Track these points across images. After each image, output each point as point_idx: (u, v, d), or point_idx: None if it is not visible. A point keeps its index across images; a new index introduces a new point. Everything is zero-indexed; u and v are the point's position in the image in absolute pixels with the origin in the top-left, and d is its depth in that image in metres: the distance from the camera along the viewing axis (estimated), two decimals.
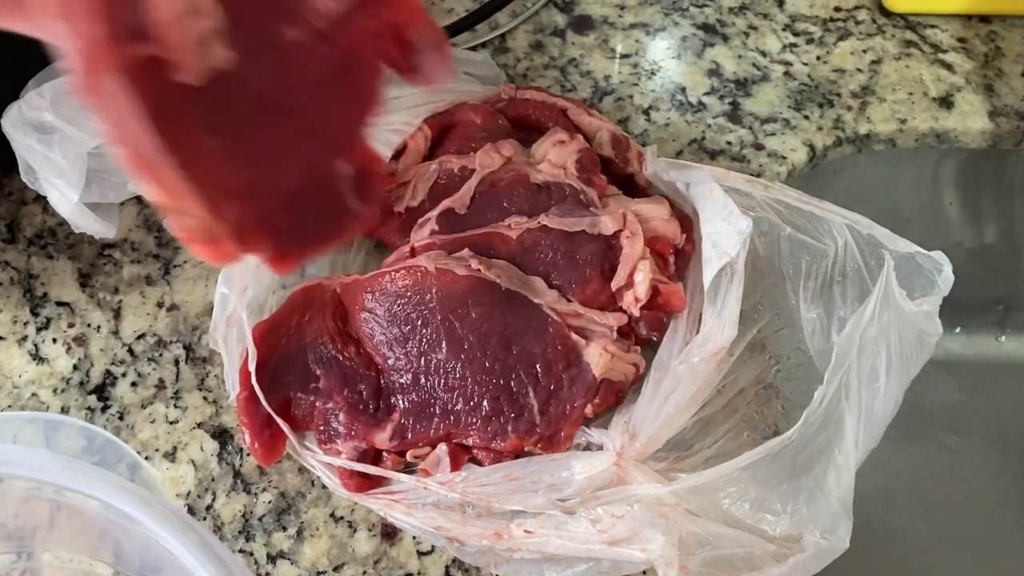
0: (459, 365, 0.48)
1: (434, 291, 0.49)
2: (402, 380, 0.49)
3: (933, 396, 0.81)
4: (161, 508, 0.37)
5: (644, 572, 0.46)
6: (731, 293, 0.47)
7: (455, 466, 0.48)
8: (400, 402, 0.49)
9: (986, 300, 0.81)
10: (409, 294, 0.49)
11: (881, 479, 0.77)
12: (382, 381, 0.49)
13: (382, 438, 0.48)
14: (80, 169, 0.47)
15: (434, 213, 0.53)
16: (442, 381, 0.49)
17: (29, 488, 0.40)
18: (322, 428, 0.49)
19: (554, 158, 0.55)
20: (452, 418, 0.48)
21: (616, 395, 0.50)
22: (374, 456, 0.48)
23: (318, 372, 0.49)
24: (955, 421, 0.80)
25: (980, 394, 0.81)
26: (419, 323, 0.49)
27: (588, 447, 0.49)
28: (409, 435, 0.48)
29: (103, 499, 0.37)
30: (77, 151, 0.47)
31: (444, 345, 0.49)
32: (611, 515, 0.43)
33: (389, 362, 0.49)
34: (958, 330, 0.82)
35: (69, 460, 0.38)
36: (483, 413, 0.48)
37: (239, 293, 0.48)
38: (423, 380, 0.49)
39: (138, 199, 0.59)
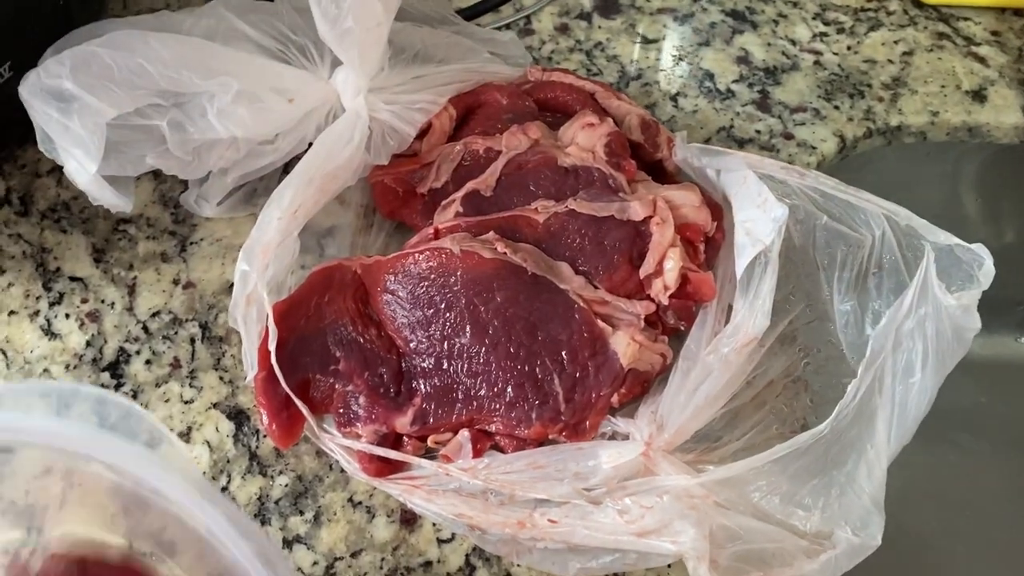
0: (483, 350, 0.47)
1: (458, 274, 0.48)
2: (424, 364, 0.48)
3: (950, 397, 0.79)
4: (182, 479, 0.36)
5: (669, 565, 0.45)
6: (764, 283, 0.46)
7: (477, 453, 0.47)
8: (422, 386, 0.47)
9: (1006, 301, 0.80)
10: (433, 276, 0.48)
11: (896, 479, 0.76)
12: (403, 364, 0.48)
13: (403, 423, 0.47)
14: (99, 140, 0.46)
15: (459, 195, 0.52)
16: (465, 366, 0.47)
17: (42, 461, 0.39)
18: (341, 411, 0.48)
19: (582, 141, 0.54)
20: (475, 404, 0.47)
21: (642, 385, 0.49)
22: (395, 440, 0.47)
23: (338, 354, 0.48)
24: (972, 422, 0.79)
25: (998, 396, 0.80)
26: (442, 306, 0.48)
27: (614, 436, 0.47)
28: (431, 420, 0.47)
29: (121, 467, 0.36)
30: (96, 121, 0.46)
31: (468, 329, 0.47)
32: (640, 506, 0.42)
33: (411, 345, 0.48)
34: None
35: (87, 427, 0.37)
36: (506, 399, 0.47)
37: (260, 271, 0.46)
38: (446, 364, 0.47)
39: (155, 174, 0.58)
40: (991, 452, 0.78)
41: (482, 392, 0.47)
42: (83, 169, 0.46)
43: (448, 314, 0.48)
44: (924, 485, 0.76)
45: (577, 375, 0.47)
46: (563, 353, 0.47)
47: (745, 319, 0.46)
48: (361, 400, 0.47)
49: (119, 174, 0.48)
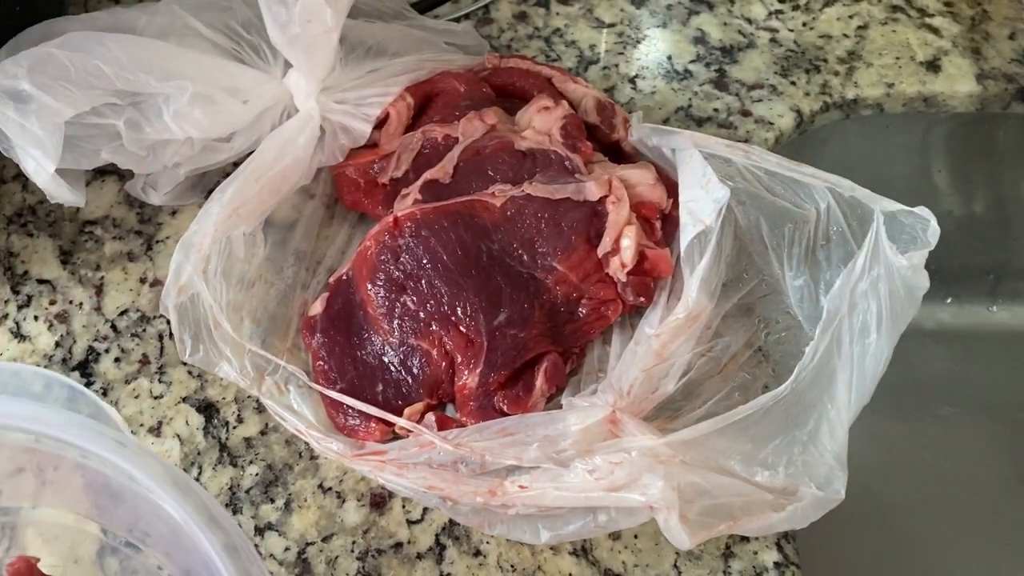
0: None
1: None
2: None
3: (925, 367, 0.80)
4: (159, 467, 0.36)
5: (636, 536, 0.46)
6: (703, 262, 0.46)
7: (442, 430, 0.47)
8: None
9: (976, 270, 0.80)
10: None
11: (874, 451, 0.77)
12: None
13: None
14: (57, 139, 0.46)
15: (417, 184, 0.53)
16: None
17: (13, 461, 0.40)
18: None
19: (539, 125, 0.54)
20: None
21: None
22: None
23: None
24: (947, 391, 0.79)
25: (972, 364, 0.81)
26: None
27: None
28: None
29: (96, 454, 0.36)
30: (54, 121, 0.46)
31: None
32: (608, 463, 0.42)
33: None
34: (949, 300, 0.82)
35: (64, 412, 0.37)
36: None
37: (196, 262, 0.48)
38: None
39: (119, 175, 0.59)
40: (967, 421, 0.78)
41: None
42: (42, 169, 0.47)
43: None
44: (901, 456, 0.77)
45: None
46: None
47: (687, 297, 0.46)
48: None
49: (73, 167, 0.49)
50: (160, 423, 0.50)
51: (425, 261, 0.49)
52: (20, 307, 0.53)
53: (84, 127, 0.49)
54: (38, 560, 0.42)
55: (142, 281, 0.54)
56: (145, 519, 0.40)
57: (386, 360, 0.50)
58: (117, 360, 0.52)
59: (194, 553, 0.35)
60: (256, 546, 0.46)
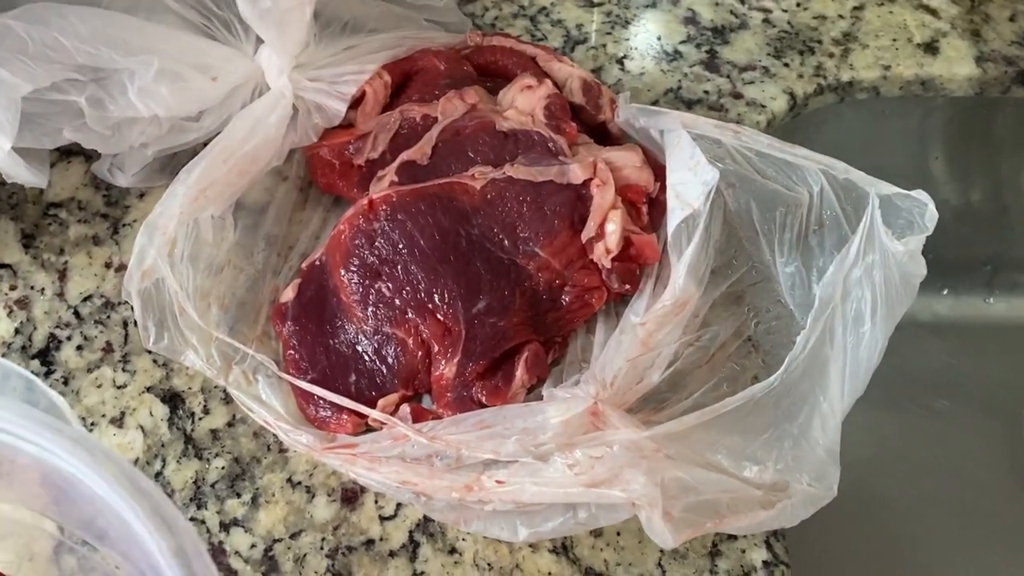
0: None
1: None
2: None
3: (921, 360, 0.79)
4: (113, 465, 0.34)
5: (619, 533, 0.44)
6: (691, 246, 0.44)
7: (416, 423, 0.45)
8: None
9: (973, 261, 0.79)
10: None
11: (869, 445, 0.75)
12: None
13: None
14: (13, 116, 0.44)
15: (394, 165, 0.51)
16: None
17: None
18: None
19: (521, 104, 0.52)
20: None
21: None
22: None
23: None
24: (943, 385, 0.78)
25: (968, 357, 0.79)
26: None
27: None
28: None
29: (57, 452, 0.34)
30: (10, 96, 0.44)
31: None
32: (589, 457, 0.40)
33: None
34: (945, 292, 0.80)
35: (24, 408, 0.35)
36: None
37: (161, 246, 0.46)
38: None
39: (86, 156, 0.56)
40: (963, 415, 0.77)
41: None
42: None
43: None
44: (897, 450, 0.75)
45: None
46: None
47: (674, 283, 0.44)
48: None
49: (34, 146, 0.46)
50: (123, 413, 0.47)
51: (401, 246, 0.47)
52: None
53: (44, 104, 0.47)
54: None
55: (107, 266, 0.52)
56: (102, 518, 0.38)
57: (360, 349, 0.48)
58: (79, 348, 0.49)
59: (150, 555, 0.34)
60: (220, 543, 0.44)
